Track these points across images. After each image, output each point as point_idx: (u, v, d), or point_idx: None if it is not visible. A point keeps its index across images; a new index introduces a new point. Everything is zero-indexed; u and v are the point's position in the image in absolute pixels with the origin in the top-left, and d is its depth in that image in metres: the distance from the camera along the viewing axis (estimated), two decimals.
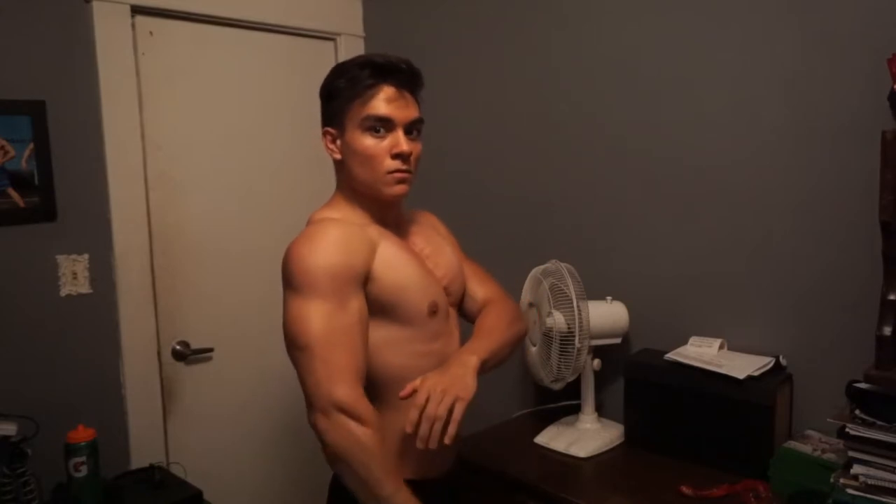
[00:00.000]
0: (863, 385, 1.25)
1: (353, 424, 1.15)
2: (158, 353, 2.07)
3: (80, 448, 1.64)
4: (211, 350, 2.19)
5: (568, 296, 1.69)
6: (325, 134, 1.33)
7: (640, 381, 1.74)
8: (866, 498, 1.21)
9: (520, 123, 2.14)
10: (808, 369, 1.61)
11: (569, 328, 1.68)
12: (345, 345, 1.18)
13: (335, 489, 1.34)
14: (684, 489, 1.50)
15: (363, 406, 1.16)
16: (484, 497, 1.68)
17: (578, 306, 1.68)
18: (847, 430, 1.24)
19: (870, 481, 1.22)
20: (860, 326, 1.44)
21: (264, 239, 2.29)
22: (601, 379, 1.88)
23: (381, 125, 1.25)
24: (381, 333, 1.27)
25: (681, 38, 1.77)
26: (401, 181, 1.27)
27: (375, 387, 1.27)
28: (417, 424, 1.14)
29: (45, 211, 1.84)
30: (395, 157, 1.25)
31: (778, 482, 1.46)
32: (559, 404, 1.95)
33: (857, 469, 1.23)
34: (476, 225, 2.29)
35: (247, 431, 2.29)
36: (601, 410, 1.91)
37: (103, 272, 1.95)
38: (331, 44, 2.48)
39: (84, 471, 1.64)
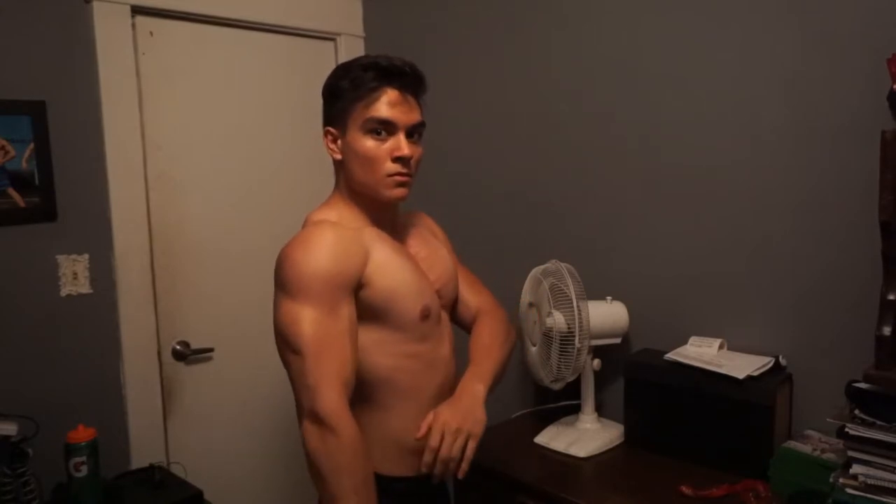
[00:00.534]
0: (862, 385, 1.25)
1: (329, 436, 1.14)
2: (158, 353, 2.08)
3: (80, 448, 1.64)
4: (211, 350, 2.19)
5: (568, 296, 1.69)
6: (326, 133, 1.33)
7: (640, 381, 1.74)
8: (866, 498, 1.21)
9: (520, 123, 2.14)
10: (807, 369, 1.61)
11: (569, 328, 1.68)
12: (334, 352, 1.18)
13: None
14: (684, 489, 1.50)
15: (343, 419, 1.15)
16: (484, 497, 1.68)
17: (578, 306, 1.68)
18: (847, 429, 1.24)
19: (869, 481, 1.22)
20: (860, 326, 1.44)
21: (264, 239, 2.29)
22: (601, 379, 1.88)
23: (384, 128, 1.25)
24: (372, 335, 1.28)
25: (681, 38, 1.77)
26: (400, 184, 1.28)
27: (364, 387, 1.27)
28: (432, 464, 1.19)
29: (45, 211, 1.84)
30: (396, 160, 1.25)
31: (778, 482, 1.46)
32: (559, 404, 1.95)
33: (856, 469, 1.23)
34: (476, 225, 2.29)
35: (247, 431, 2.29)
36: (601, 410, 1.91)
37: (103, 272, 1.95)
38: (331, 44, 2.49)
39: (84, 471, 1.64)
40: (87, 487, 1.65)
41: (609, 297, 1.85)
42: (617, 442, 1.79)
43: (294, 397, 1.21)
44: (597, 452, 1.74)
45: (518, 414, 2.04)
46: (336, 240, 1.22)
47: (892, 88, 1.28)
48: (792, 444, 1.50)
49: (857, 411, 1.25)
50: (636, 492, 1.54)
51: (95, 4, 1.90)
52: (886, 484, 1.20)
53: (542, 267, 1.81)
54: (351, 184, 1.31)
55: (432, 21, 2.36)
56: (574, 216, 2.04)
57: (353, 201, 1.32)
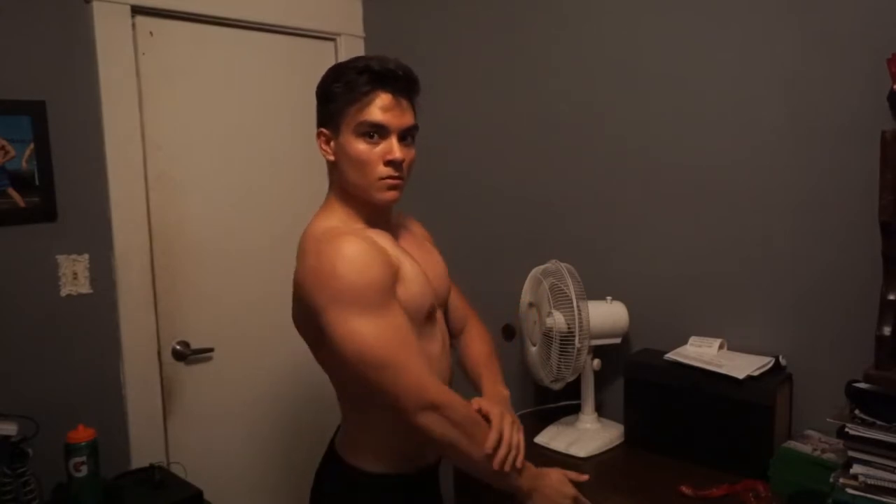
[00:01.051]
0: (862, 385, 1.25)
1: (451, 414, 1.21)
2: (158, 353, 2.07)
3: (80, 448, 1.64)
4: (211, 350, 2.19)
5: (568, 296, 1.69)
6: (319, 135, 1.33)
7: (640, 381, 1.74)
8: (866, 498, 1.22)
9: (520, 123, 2.14)
10: (807, 369, 1.61)
11: (569, 328, 1.69)
12: (412, 347, 1.21)
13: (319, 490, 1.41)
14: (684, 489, 1.50)
15: (450, 395, 1.24)
16: (483, 497, 1.68)
17: (578, 306, 1.68)
18: (847, 429, 1.24)
19: (869, 481, 1.22)
20: (860, 326, 1.44)
21: (264, 239, 2.29)
22: (601, 379, 1.88)
23: (376, 131, 1.25)
24: None
25: (681, 39, 1.77)
26: (392, 187, 1.27)
27: (351, 388, 1.29)
28: (496, 448, 1.25)
29: (45, 211, 1.84)
30: (388, 164, 1.25)
31: (778, 482, 1.46)
32: (559, 404, 1.95)
33: (856, 469, 1.23)
34: (476, 225, 2.29)
35: (247, 431, 2.29)
36: (601, 410, 1.91)
37: (103, 272, 1.95)
38: (331, 44, 2.49)
39: (84, 471, 1.64)
40: (87, 487, 1.65)
41: (609, 297, 1.85)
42: (617, 442, 1.79)
43: (392, 402, 1.19)
44: (597, 452, 1.74)
45: (518, 414, 2.03)
46: (369, 247, 1.21)
47: (892, 88, 1.29)
48: (792, 444, 1.50)
49: (857, 411, 1.25)
50: (636, 492, 1.54)
51: (95, 4, 1.90)
52: (886, 484, 1.20)
53: (542, 267, 1.81)
54: (344, 185, 1.31)
55: (432, 21, 2.36)
56: (574, 216, 2.04)
57: (349, 204, 1.32)
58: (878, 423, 1.22)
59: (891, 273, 1.26)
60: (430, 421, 1.19)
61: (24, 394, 1.79)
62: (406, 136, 1.28)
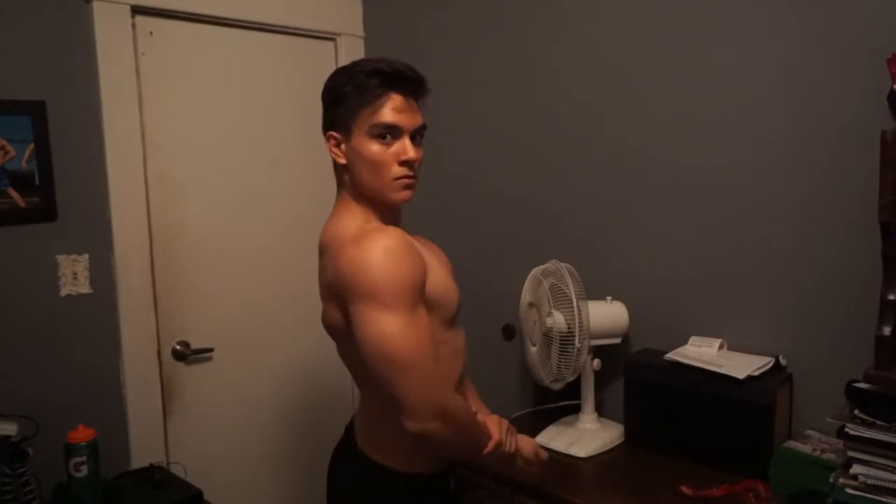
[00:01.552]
0: (862, 385, 1.25)
1: (454, 422, 1.22)
2: (158, 353, 2.07)
3: (80, 448, 1.64)
4: (211, 350, 2.19)
5: (568, 296, 1.69)
6: (329, 138, 1.32)
7: (640, 381, 1.74)
8: (866, 497, 1.22)
9: (520, 123, 2.14)
10: (808, 369, 1.61)
11: (569, 328, 1.69)
12: (431, 351, 1.20)
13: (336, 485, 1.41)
14: (684, 489, 1.50)
15: (457, 403, 1.24)
16: (484, 497, 1.68)
17: (578, 306, 1.68)
18: (847, 429, 1.24)
19: (869, 481, 1.22)
20: (860, 326, 1.44)
21: (264, 239, 2.29)
22: (601, 379, 1.88)
23: (389, 132, 1.26)
24: None
25: (681, 39, 1.77)
26: (407, 187, 1.29)
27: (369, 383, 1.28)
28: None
29: (45, 211, 1.84)
30: (403, 164, 1.26)
31: (778, 482, 1.46)
32: (559, 404, 1.95)
33: (856, 469, 1.23)
34: (476, 225, 2.29)
35: (247, 431, 2.29)
36: (601, 410, 1.91)
37: (103, 272, 1.95)
38: (331, 44, 2.48)
39: (84, 471, 1.64)
40: (87, 487, 1.65)
41: (609, 297, 1.85)
42: (617, 442, 1.79)
43: (399, 402, 1.18)
44: (597, 452, 1.74)
45: (518, 414, 2.04)
46: (405, 244, 1.21)
47: (892, 88, 1.29)
48: (792, 444, 1.50)
49: (857, 411, 1.25)
50: (636, 492, 1.54)
51: (95, 4, 1.90)
52: (886, 484, 1.20)
53: (542, 267, 1.81)
54: (358, 187, 1.31)
55: (432, 21, 2.36)
56: (574, 216, 2.04)
57: (364, 205, 1.33)
58: (878, 423, 1.22)
59: (891, 273, 1.26)
60: (433, 428, 1.18)
61: (24, 394, 1.79)
62: (416, 135, 1.30)
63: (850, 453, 1.24)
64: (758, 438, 1.54)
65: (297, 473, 2.40)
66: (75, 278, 1.90)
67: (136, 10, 1.99)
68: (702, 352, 1.70)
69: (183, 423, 2.14)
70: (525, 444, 1.39)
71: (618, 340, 1.84)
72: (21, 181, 1.80)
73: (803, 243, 1.61)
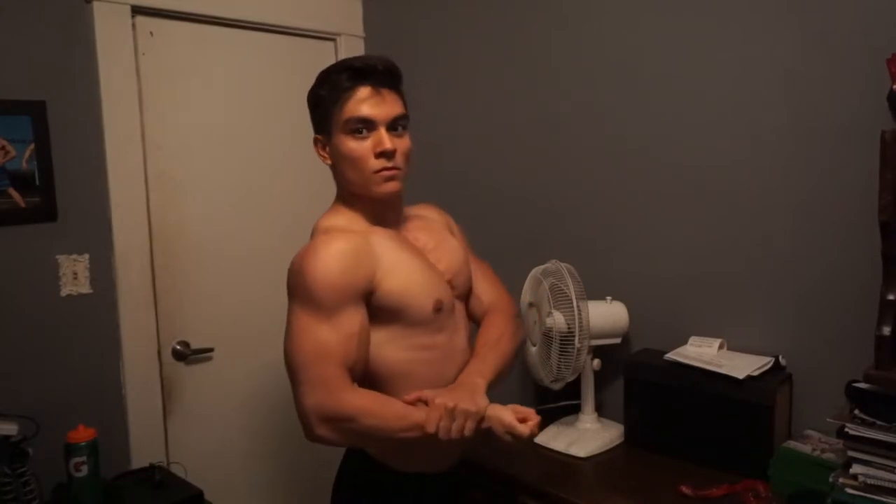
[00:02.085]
0: (862, 385, 1.25)
1: (351, 426, 1.20)
2: (158, 353, 2.07)
3: (80, 448, 1.64)
4: (211, 350, 2.19)
5: (568, 296, 1.69)
6: (315, 142, 1.35)
7: (640, 381, 1.74)
8: (866, 497, 1.22)
9: (520, 123, 2.14)
10: (807, 369, 1.61)
11: (569, 328, 1.69)
12: (336, 359, 1.20)
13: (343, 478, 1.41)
14: (684, 489, 1.50)
15: (352, 405, 1.20)
16: (484, 497, 1.68)
17: (578, 306, 1.68)
18: (846, 429, 1.24)
19: (869, 481, 1.22)
20: (860, 326, 1.43)
21: (264, 239, 2.29)
22: (601, 379, 1.88)
23: (363, 126, 1.26)
24: (388, 332, 1.29)
25: (681, 38, 1.77)
26: (389, 178, 1.28)
27: (382, 383, 1.29)
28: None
29: (45, 211, 1.84)
30: (380, 155, 1.26)
31: (778, 482, 1.46)
32: (559, 404, 1.95)
33: (856, 469, 1.23)
34: (476, 225, 2.27)
35: (247, 431, 2.29)
36: (601, 410, 1.91)
37: (103, 272, 1.95)
38: (331, 44, 2.48)
39: (84, 471, 1.64)
40: (87, 487, 1.66)
41: (609, 297, 1.85)
42: (617, 442, 1.79)
43: (294, 402, 1.23)
44: (597, 452, 1.74)
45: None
46: (345, 249, 1.23)
47: (892, 88, 1.28)
48: (792, 444, 1.50)
49: (857, 411, 1.25)
50: (636, 492, 1.54)
51: (95, 4, 1.90)
52: (886, 484, 1.20)
53: (542, 267, 1.81)
54: (347, 186, 1.32)
55: (432, 21, 2.36)
56: (574, 216, 2.04)
57: (355, 204, 1.33)
58: (878, 423, 1.22)
59: (891, 273, 1.26)
60: (320, 434, 1.20)
61: (24, 394, 1.79)
62: (396, 125, 1.29)
63: (850, 453, 1.24)
64: (758, 438, 1.54)
65: (298, 473, 2.40)
66: (75, 278, 1.90)
67: (136, 11, 1.99)
68: (702, 352, 1.70)
69: (183, 423, 2.14)
70: (496, 420, 1.25)
71: (618, 340, 1.84)
72: (21, 181, 1.80)
73: (803, 243, 1.61)
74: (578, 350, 1.69)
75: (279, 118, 2.34)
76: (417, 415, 1.22)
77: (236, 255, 2.25)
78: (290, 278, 1.25)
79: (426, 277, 1.32)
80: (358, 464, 1.38)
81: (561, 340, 1.69)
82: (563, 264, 1.76)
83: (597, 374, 1.84)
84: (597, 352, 1.82)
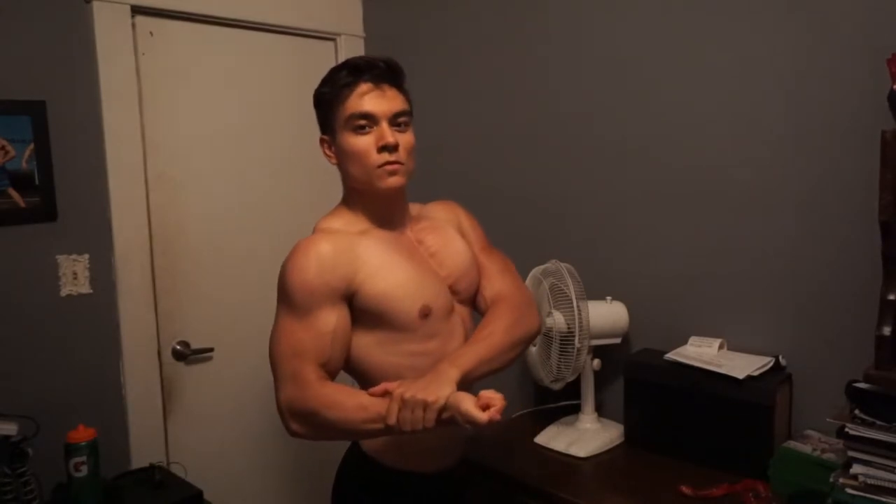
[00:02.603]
0: (862, 385, 1.25)
1: (312, 418, 1.20)
2: (158, 353, 2.07)
3: (80, 448, 1.64)
4: (211, 350, 2.19)
5: (568, 296, 1.69)
6: (321, 142, 1.35)
7: (640, 381, 1.74)
8: (866, 497, 1.21)
9: (520, 123, 2.14)
10: (807, 369, 1.61)
11: (569, 328, 1.69)
12: (309, 358, 1.22)
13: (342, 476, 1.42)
14: (684, 489, 1.50)
15: (309, 396, 1.20)
16: (484, 497, 1.68)
17: (578, 306, 1.68)
18: (847, 429, 1.24)
19: (869, 481, 1.22)
20: (860, 326, 1.44)
21: (264, 239, 2.29)
22: (601, 379, 1.88)
23: (365, 122, 1.27)
24: (375, 337, 1.29)
25: (681, 38, 1.77)
26: (392, 173, 1.28)
27: (369, 385, 1.28)
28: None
29: (45, 211, 1.84)
30: (382, 149, 1.26)
31: (778, 482, 1.46)
32: (559, 404, 1.95)
33: (856, 469, 1.23)
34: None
35: (247, 431, 2.29)
36: (601, 410, 1.91)
37: (103, 272, 1.95)
38: (331, 44, 2.48)
39: (84, 471, 1.64)
40: (87, 487, 1.65)
41: (609, 297, 1.85)
42: (617, 442, 1.79)
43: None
44: (597, 452, 1.74)
45: (518, 414, 2.04)
46: (325, 251, 1.25)
47: (892, 88, 1.28)
48: (792, 444, 1.49)
49: (857, 411, 1.25)
50: (636, 492, 1.54)
51: (95, 4, 1.90)
52: (886, 484, 1.20)
53: (542, 267, 1.81)
54: (352, 184, 1.33)
55: (432, 21, 2.36)
56: (574, 216, 2.04)
57: (358, 204, 1.34)
58: (878, 423, 1.22)
59: (891, 273, 1.26)
60: (294, 429, 1.23)
61: (24, 394, 1.79)
62: (398, 121, 1.29)
63: (850, 453, 1.24)
64: (758, 438, 1.54)
65: (298, 473, 2.40)
66: (75, 278, 1.90)
67: (136, 10, 1.99)
68: (702, 352, 1.70)
69: (183, 423, 2.14)
70: (455, 409, 1.13)
71: (618, 340, 1.84)
72: (21, 181, 1.80)
73: (803, 243, 1.61)
74: (578, 350, 1.69)
75: (279, 118, 2.34)
76: (379, 406, 1.16)
77: (236, 255, 2.25)
78: (278, 278, 1.29)
79: (416, 282, 1.30)
80: (357, 463, 1.38)
81: (561, 340, 1.69)
82: (563, 264, 1.76)
83: (597, 374, 1.84)
84: (597, 352, 1.82)
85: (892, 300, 1.23)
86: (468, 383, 1.23)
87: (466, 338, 1.39)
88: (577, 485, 1.61)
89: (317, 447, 1.29)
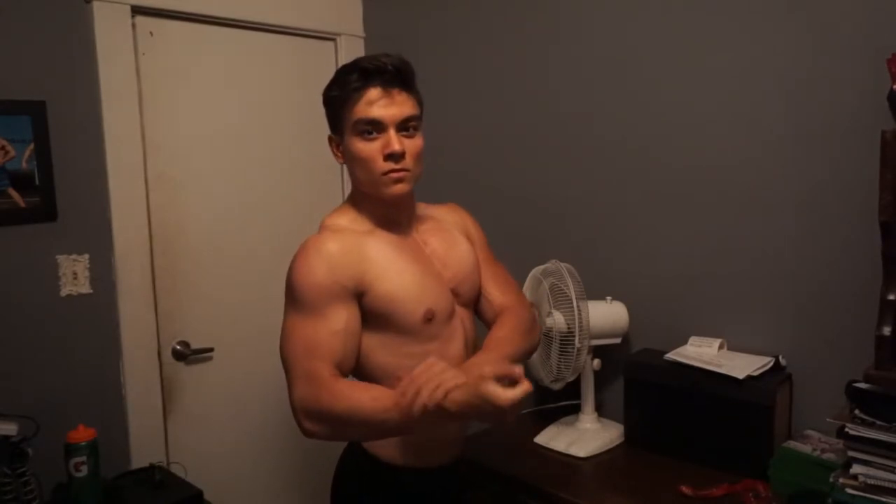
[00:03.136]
0: (862, 385, 1.25)
1: (326, 415, 1.17)
2: (158, 353, 2.07)
3: (80, 448, 1.64)
4: (211, 350, 2.19)
5: (568, 296, 1.69)
6: (329, 140, 1.35)
7: (640, 381, 1.74)
8: (866, 497, 1.22)
9: (520, 123, 2.14)
10: (807, 369, 1.61)
11: (569, 328, 1.69)
12: (322, 356, 1.21)
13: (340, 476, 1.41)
14: (684, 489, 1.50)
15: (323, 393, 1.17)
16: (484, 497, 1.68)
17: (578, 306, 1.68)
18: (847, 429, 1.24)
19: (869, 481, 1.22)
20: (860, 326, 1.44)
21: (264, 239, 2.29)
22: (601, 379, 1.88)
23: (372, 127, 1.26)
24: (379, 337, 1.29)
25: (681, 39, 1.77)
26: (398, 181, 1.27)
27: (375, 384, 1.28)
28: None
29: (45, 211, 1.84)
30: (388, 157, 1.25)
31: (778, 482, 1.46)
32: (559, 404, 1.95)
33: (856, 469, 1.23)
34: None
35: (247, 431, 2.29)
36: (601, 410, 1.91)
37: (103, 272, 1.95)
38: (331, 44, 2.48)
39: (84, 471, 1.64)
40: (87, 487, 1.65)
41: (609, 297, 1.85)
42: (617, 442, 1.79)
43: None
44: (597, 452, 1.74)
45: (518, 414, 2.04)
46: (332, 249, 1.24)
47: (892, 88, 1.28)
48: (792, 444, 1.50)
49: (857, 411, 1.25)
50: (636, 492, 1.54)
51: (95, 4, 1.90)
52: (886, 484, 1.20)
53: (542, 267, 1.81)
54: (358, 185, 1.33)
55: (432, 21, 2.36)
56: (574, 216, 2.04)
57: (363, 203, 1.34)
58: (878, 423, 1.22)
59: (891, 273, 1.26)
60: (308, 428, 1.20)
61: (24, 394, 1.79)
62: (406, 126, 1.28)
63: (850, 453, 1.24)
64: (758, 438, 1.54)
65: (298, 472, 2.40)
66: (75, 278, 1.90)
67: (136, 11, 1.99)
68: (702, 352, 1.70)
69: (183, 422, 2.14)
70: (453, 400, 1.07)
71: (618, 340, 1.84)
72: (21, 181, 1.80)
73: (803, 243, 1.61)
74: (578, 350, 1.69)
75: (279, 118, 2.34)
76: (395, 395, 1.10)
77: (236, 255, 2.25)
78: (286, 278, 1.28)
79: (420, 285, 1.30)
80: (356, 460, 1.38)
81: (561, 340, 1.69)
82: (563, 264, 1.76)
83: (597, 374, 1.84)
84: (597, 352, 1.82)
85: (892, 300, 1.23)
86: None
87: (466, 340, 1.39)
88: (577, 485, 1.62)
89: (317, 446, 1.29)
